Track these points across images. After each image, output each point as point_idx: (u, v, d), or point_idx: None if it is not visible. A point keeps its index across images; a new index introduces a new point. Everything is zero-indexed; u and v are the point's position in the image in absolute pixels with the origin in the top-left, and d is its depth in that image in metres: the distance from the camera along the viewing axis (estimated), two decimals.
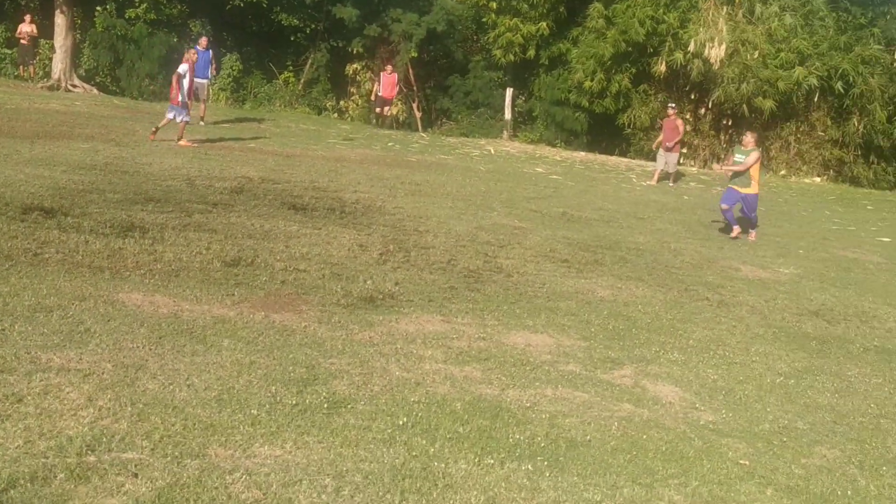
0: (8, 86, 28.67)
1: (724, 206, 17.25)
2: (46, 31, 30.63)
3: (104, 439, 5.72)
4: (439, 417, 6.89)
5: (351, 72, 34.40)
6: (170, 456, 5.64)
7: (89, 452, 5.54)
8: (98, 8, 31.23)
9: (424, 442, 6.40)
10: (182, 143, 19.97)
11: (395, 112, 32.35)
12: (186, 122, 20.52)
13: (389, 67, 31.20)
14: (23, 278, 8.97)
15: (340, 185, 17.22)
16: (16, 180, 13.49)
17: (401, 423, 6.66)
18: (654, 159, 27.17)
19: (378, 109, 31.28)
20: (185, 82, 20.39)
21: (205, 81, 24.58)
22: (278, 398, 6.79)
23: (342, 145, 24.65)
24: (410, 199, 16.58)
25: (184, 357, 7.43)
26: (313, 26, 34.05)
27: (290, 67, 34.81)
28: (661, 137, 25.44)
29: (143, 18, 30.71)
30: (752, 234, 17.40)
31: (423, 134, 31.18)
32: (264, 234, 12.27)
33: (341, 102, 34.73)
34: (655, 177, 25.38)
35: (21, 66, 30.68)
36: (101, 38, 31.00)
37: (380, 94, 30.90)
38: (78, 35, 31.16)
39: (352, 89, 34.67)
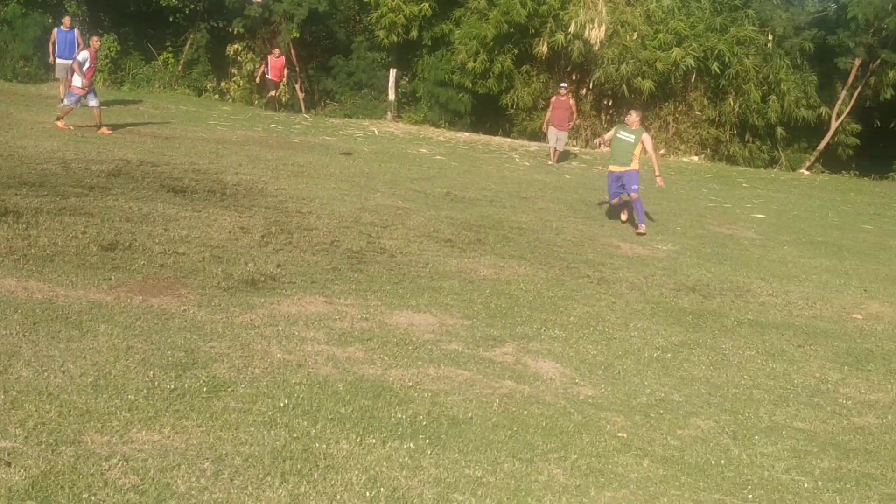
0: None
1: (614, 201, 16.88)
2: None
3: None
4: (321, 398, 6.88)
5: (232, 52, 33.90)
6: (44, 443, 5.52)
7: None
8: None
9: (306, 423, 6.38)
10: (104, 130, 19.66)
11: (278, 94, 31.98)
12: (100, 109, 20.15)
13: (277, 51, 30.91)
14: None
15: (221, 167, 17.00)
16: None
17: (282, 405, 6.63)
18: (536, 139, 27.38)
19: (273, 92, 31.12)
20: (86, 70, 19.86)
21: (68, 62, 23.38)
22: (156, 383, 6.70)
23: (223, 126, 24.33)
24: (293, 181, 16.45)
25: (59, 343, 7.28)
26: (192, 6, 33.42)
27: (170, 48, 34.15)
28: (548, 116, 25.72)
29: None
30: (642, 228, 16.15)
31: (306, 115, 30.94)
32: (142, 218, 12.05)
33: (222, 84, 34.20)
34: (554, 156, 25.68)
35: None
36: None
37: (268, 76, 30.74)
38: None
39: (233, 70, 34.16)
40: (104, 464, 5.38)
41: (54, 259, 9.80)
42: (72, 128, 19.49)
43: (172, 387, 6.66)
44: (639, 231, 15.99)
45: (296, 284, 10.09)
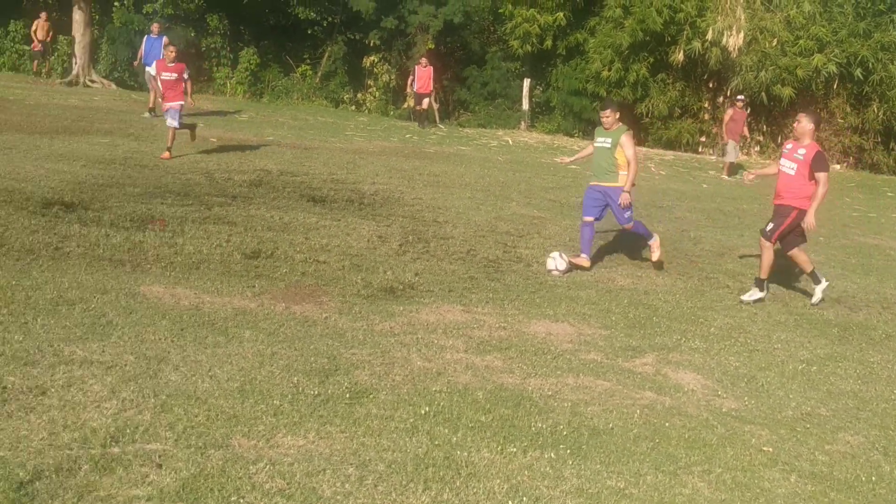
0: (27, 82, 28.78)
1: (588, 219, 12.23)
2: (65, 27, 30.76)
3: (128, 430, 5.75)
4: (461, 406, 6.89)
5: (368, 64, 34.37)
6: (193, 447, 5.65)
7: (113, 444, 5.56)
8: (116, 3, 31.34)
9: (447, 431, 6.40)
10: (166, 153, 16.95)
11: (432, 106, 31.13)
12: (174, 130, 17.41)
13: (424, 61, 29.90)
14: (45, 272, 9.02)
15: (359, 176, 17.22)
16: (36, 175, 13.55)
17: (423, 412, 6.66)
18: (672, 148, 26.94)
19: (418, 106, 29.95)
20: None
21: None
22: (300, 388, 6.81)
23: (360, 137, 24.65)
24: (429, 190, 16.56)
25: (206, 349, 7.45)
26: (330, 19, 34.05)
27: (308, 61, 34.84)
28: (726, 128, 25.30)
29: (161, 13, 30.74)
30: (654, 244, 12.45)
31: (440, 125, 31.12)
32: (284, 227, 12.28)
33: (358, 95, 34.72)
34: (726, 170, 25.27)
35: (35, 63, 30.79)
36: (119, 34, 31.09)
37: (415, 88, 29.65)
38: (96, 31, 31.29)
39: (369, 81, 34.64)
40: (251, 467, 5.48)
41: (200, 266, 10.06)
42: (214, 140, 19.96)
43: (316, 392, 6.75)
44: (654, 259, 12.47)
45: (434, 293, 10.15)
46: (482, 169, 20.66)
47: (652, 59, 31.25)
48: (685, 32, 30.34)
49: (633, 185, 12.06)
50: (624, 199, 11.94)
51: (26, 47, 31.31)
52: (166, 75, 17.43)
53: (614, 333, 9.39)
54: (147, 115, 22.69)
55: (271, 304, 8.94)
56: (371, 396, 6.85)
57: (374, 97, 34.37)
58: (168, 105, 17.37)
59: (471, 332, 8.86)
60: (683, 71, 31.45)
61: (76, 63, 29.88)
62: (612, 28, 31.54)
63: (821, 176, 11.17)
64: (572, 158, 13.79)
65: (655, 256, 12.38)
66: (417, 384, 7.26)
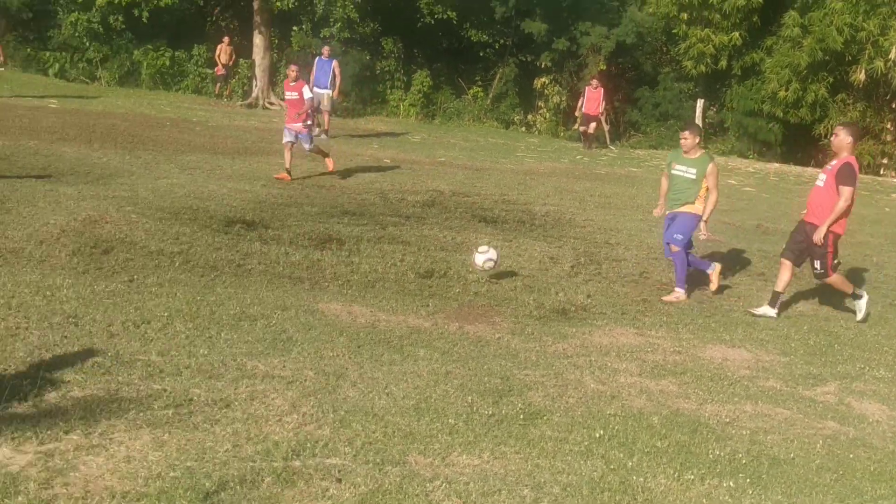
0: (209, 104, 29.85)
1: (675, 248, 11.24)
2: (245, 51, 31.81)
3: (308, 445, 5.87)
4: (636, 431, 6.80)
5: (539, 86, 34.43)
6: (371, 462, 5.73)
7: (295, 457, 5.68)
8: (294, 28, 32.24)
9: (622, 455, 6.32)
10: (282, 174, 16.45)
11: (602, 127, 30.75)
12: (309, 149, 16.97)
13: (595, 82, 29.41)
14: (228, 288, 9.31)
15: (530, 197, 17.24)
16: (219, 194, 14.02)
17: (597, 435, 6.60)
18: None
19: (583, 128, 29.40)
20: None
21: (325, 91, 23.73)
22: (475, 408, 6.83)
23: (530, 158, 24.69)
24: (600, 212, 16.47)
25: (382, 366, 7.57)
26: (502, 41, 34.28)
27: (479, 82, 35.13)
28: None
29: (338, 37, 31.47)
30: (675, 294, 11.14)
31: (611, 147, 30.91)
32: (456, 247, 12.39)
33: (529, 116, 34.82)
34: None
35: (218, 86, 31.89)
36: (298, 57, 31.93)
37: (583, 110, 29.07)
38: (275, 54, 32.27)
39: (539, 103, 34.70)
40: (428, 485, 5.52)
41: (375, 285, 10.24)
42: (387, 161, 20.27)
43: (490, 412, 6.77)
44: (667, 298, 11.09)
45: (606, 315, 10.07)
46: (654, 191, 20.33)
47: (831, 79, 30.37)
48: (867, 51, 29.38)
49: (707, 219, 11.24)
50: (704, 230, 11.26)
51: (209, 71, 32.48)
52: (289, 95, 16.92)
53: (794, 360, 9.13)
54: (323, 136, 23.24)
55: (445, 323, 9.02)
56: (545, 418, 6.83)
57: (545, 118, 34.40)
58: (291, 126, 16.57)
59: (644, 355, 8.75)
60: (865, 91, 30.46)
61: (256, 86, 30.86)
62: (789, 48, 30.81)
63: (844, 190, 10.50)
64: (661, 203, 11.78)
65: (670, 298, 11.08)
66: (591, 407, 7.20)
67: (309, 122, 16.80)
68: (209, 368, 7.02)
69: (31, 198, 12.16)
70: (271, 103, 30.58)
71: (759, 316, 10.61)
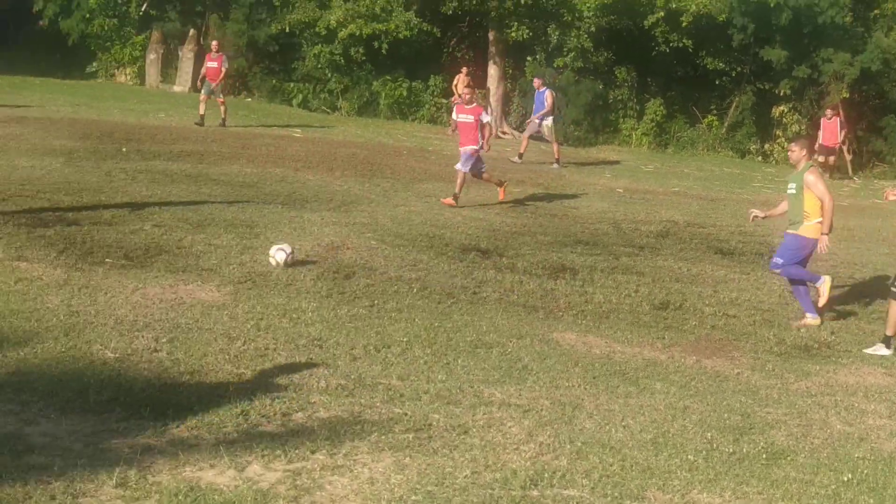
0: (444, 134, 30.31)
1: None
2: (480, 81, 32.28)
3: (546, 475, 5.86)
4: (887, 476, 6.47)
5: (777, 114, 33.48)
6: (610, 496, 5.67)
7: (532, 487, 5.68)
8: (528, 58, 32.50)
9: (871, 501, 6.03)
10: (448, 199, 15.94)
11: (844, 157, 29.66)
12: (462, 175, 16.08)
13: (829, 112, 28.35)
14: (464, 315, 9.44)
15: (768, 229, 16.68)
16: (454, 222, 14.26)
17: (845, 479, 6.31)
18: None
19: (822, 159, 27.51)
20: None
21: (544, 122, 23.68)
22: (714, 445, 6.67)
23: (768, 189, 24.02)
24: (843, 245, 15.82)
25: (618, 398, 7.49)
26: (739, 69, 33.56)
27: (714, 111, 34.46)
28: None
29: (571, 67, 31.55)
30: (807, 319, 10.65)
31: (853, 177, 29.72)
32: (691, 279, 12.19)
33: (766, 145, 33.89)
34: None
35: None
36: (530, 87, 32.19)
37: (821, 141, 27.75)
38: (509, 84, 32.63)
39: (777, 132, 33.71)
40: None
41: (609, 316, 10.17)
42: (620, 191, 20.14)
43: (731, 450, 6.59)
44: (800, 323, 10.62)
45: (852, 353, 9.69)
46: None
47: None
48: None
49: (831, 228, 10.73)
50: (823, 244, 10.59)
51: (444, 101, 33.10)
52: (462, 117, 16.28)
53: None
54: (555, 165, 23.33)
55: (681, 356, 8.87)
56: (789, 458, 6.59)
57: (783, 148, 33.36)
58: (462, 149, 16.13)
59: (894, 396, 8.34)
60: None
61: (490, 115, 31.25)
62: None
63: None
64: (763, 211, 11.77)
65: (822, 302, 10.69)
66: (838, 449, 6.91)
67: (479, 147, 16.15)
68: (447, 394, 7.12)
69: (278, 223, 12.69)
70: (504, 133, 30.92)
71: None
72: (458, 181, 15.98)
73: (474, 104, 16.69)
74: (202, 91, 24.72)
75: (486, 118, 16.46)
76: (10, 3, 36.34)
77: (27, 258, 9.72)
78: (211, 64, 24.66)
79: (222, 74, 24.48)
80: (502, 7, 30.88)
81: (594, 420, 6.92)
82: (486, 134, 16.31)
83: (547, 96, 23.72)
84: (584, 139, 31.63)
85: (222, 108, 24.34)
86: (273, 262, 10.55)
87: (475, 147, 16.04)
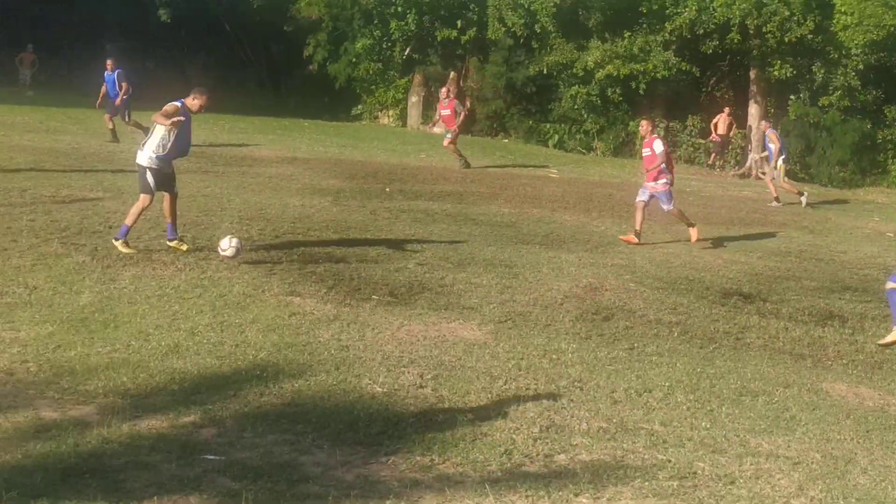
0: (702, 174, 29.90)
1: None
2: (740, 120, 31.62)
3: None
4: None
5: None
6: None
7: None
8: (791, 97, 31.60)
9: None
10: (692, 234, 15.92)
11: None
12: (671, 211, 15.91)
13: None
14: (727, 361, 9.23)
15: None
16: (714, 265, 13.97)
17: None
18: None
19: None
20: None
21: (764, 157, 23.18)
22: None
23: None
24: None
25: (893, 453, 7.14)
26: None
27: None
28: None
29: (837, 106, 30.45)
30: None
31: None
32: None
33: None
34: None
35: (713, 155, 31.80)
36: (793, 126, 31.25)
37: None
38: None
39: None
40: None
41: (882, 366, 9.73)
42: (890, 235, 19.24)
43: None
44: (884, 341, 10.41)
45: None
46: None
47: None
48: None
49: None
50: None
51: (702, 141, 32.59)
52: (645, 151, 15.82)
53: None
54: (774, 203, 22.49)
55: None
56: None
57: None
58: (647, 185, 15.68)
59: None
60: None
61: (750, 156, 30.52)
62: None
63: None
64: None
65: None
66: None
67: (665, 181, 15.56)
68: (712, 442, 6.97)
69: (536, 263, 12.77)
70: (763, 173, 30.09)
71: None
72: (678, 217, 16.01)
73: (653, 135, 16.01)
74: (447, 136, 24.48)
75: (659, 148, 15.56)
76: (282, 49, 38.18)
77: (299, 293, 10.16)
78: (444, 112, 24.31)
79: (460, 119, 24.02)
80: (765, 45, 30.14)
81: (869, 476, 6.62)
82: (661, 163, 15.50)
83: (769, 134, 23.32)
84: (850, 180, 30.40)
85: (450, 147, 23.87)
86: (226, 254, 11.02)
87: (665, 181, 15.62)
